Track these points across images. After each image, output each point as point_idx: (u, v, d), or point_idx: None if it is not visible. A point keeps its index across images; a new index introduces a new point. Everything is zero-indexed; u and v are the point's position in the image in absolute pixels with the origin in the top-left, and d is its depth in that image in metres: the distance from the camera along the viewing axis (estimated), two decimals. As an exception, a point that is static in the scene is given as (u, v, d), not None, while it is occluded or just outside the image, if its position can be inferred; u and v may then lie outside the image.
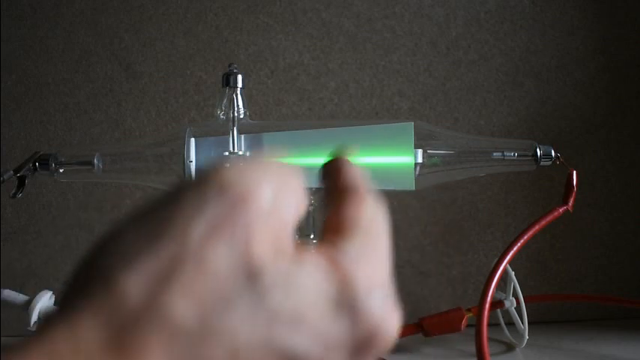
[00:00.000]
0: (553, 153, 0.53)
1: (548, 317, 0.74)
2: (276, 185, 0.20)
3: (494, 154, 0.53)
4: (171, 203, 0.19)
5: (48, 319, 0.17)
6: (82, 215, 0.75)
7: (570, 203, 0.55)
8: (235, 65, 0.54)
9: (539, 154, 0.53)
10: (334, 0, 0.75)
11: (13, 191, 0.53)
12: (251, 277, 0.18)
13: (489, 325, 0.52)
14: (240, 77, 0.53)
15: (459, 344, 0.65)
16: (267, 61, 0.75)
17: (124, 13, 0.75)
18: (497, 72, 0.75)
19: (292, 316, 0.18)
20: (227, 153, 0.52)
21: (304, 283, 0.19)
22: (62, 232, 0.75)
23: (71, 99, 0.75)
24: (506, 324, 0.66)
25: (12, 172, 0.52)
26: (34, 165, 0.53)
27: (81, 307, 0.17)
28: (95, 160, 0.53)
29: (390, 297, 0.20)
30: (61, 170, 0.53)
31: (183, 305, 0.17)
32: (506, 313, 0.64)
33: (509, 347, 0.64)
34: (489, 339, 0.50)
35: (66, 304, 0.18)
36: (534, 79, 0.75)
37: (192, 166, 0.51)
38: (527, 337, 0.61)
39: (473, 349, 0.50)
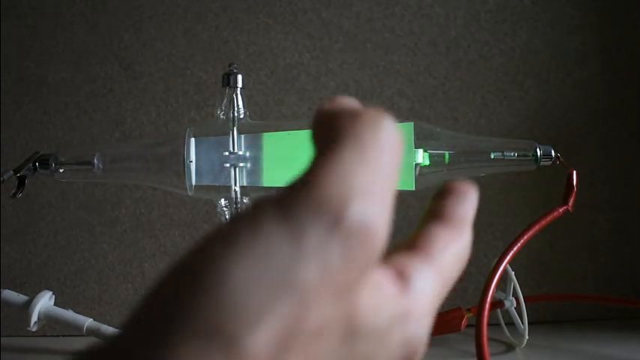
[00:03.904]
0: (553, 153, 0.53)
1: (548, 317, 0.74)
2: (386, 203, 0.18)
3: (494, 154, 0.53)
4: (285, 249, 0.17)
5: None
6: (82, 215, 0.75)
7: (570, 203, 0.55)
8: (235, 65, 0.54)
9: (539, 154, 0.53)
10: (334, 0, 0.75)
11: (13, 191, 0.53)
12: (351, 336, 0.18)
13: (489, 325, 0.52)
14: (240, 77, 0.53)
15: (459, 344, 0.65)
16: (267, 61, 0.75)
17: (124, 13, 0.75)
18: (497, 72, 0.75)
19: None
20: (227, 153, 0.52)
21: (386, 335, 0.19)
22: (62, 232, 0.75)
23: (71, 99, 0.75)
24: (506, 324, 0.66)
25: (12, 172, 0.52)
26: (34, 165, 0.53)
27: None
28: (95, 160, 0.53)
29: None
30: (61, 170, 0.53)
31: None
32: (506, 313, 0.64)
33: (509, 347, 0.64)
34: (489, 339, 0.50)
35: (160, 353, 0.16)
36: (534, 79, 0.75)
37: (192, 166, 0.51)
38: (527, 337, 0.61)
39: (473, 349, 0.50)
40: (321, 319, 0.17)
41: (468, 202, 0.23)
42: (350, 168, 0.18)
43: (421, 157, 0.51)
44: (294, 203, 0.17)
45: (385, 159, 0.19)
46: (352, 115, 0.20)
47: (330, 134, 0.19)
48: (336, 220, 0.17)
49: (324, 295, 0.17)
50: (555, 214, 0.54)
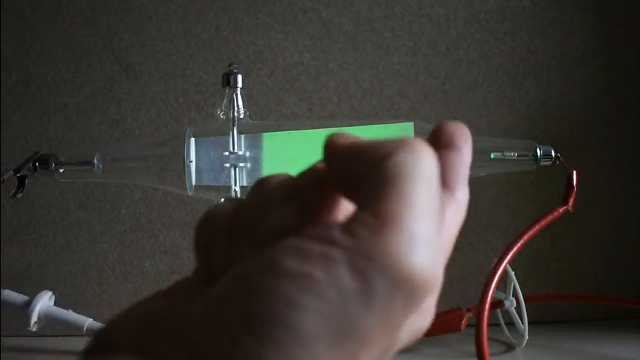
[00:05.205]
0: (553, 153, 0.53)
1: (548, 317, 0.74)
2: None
3: (494, 154, 0.53)
4: (356, 302, 0.18)
5: None
6: (82, 215, 0.75)
7: (570, 203, 0.55)
8: (235, 65, 0.54)
9: (539, 154, 0.53)
10: (334, 0, 0.75)
11: (13, 191, 0.53)
12: (388, 350, 0.20)
13: (489, 325, 0.52)
14: (240, 77, 0.53)
15: (459, 344, 0.65)
16: (267, 61, 0.75)
17: (124, 13, 0.75)
18: (497, 72, 0.75)
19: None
20: (227, 153, 0.52)
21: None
22: (62, 232, 0.75)
23: (71, 99, 0.75)
24: (506, 324, 0.66)
25: (12, 172, 0.52)
26: (34, 165, 0.53)
27: None
28: (95, 160, 0.53)
29: (425, 245, 0.18)
30: (61, 170, 0.53)
31: None
32: (506, 313, 0.64)
33: (509, 347, 0.64)
34: (489, 339, 0.50)
35: None
36: (534, 79, 0.75)
37: (192, 166, 0.51)
38: (527, 337, 0.61)
39: (473, 349, 0.50)
40: (372, 353, 0.18)
41: (459, 162, 0.22)
42: (408, 218, 0.18)
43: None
44: (365, 256, 0.18)
45: (433, 199, 0.19)
46: (400, 150, 0.19)
47: (373, 174, 0.19)
48: (401, 276, 0.18)
49: (381, 335, 0.18)
50: (555, 214, 0.54)
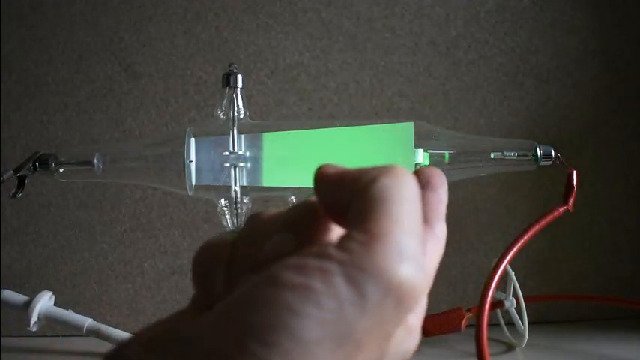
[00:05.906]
0: (553, 153, 0.53)
1: (548, 317, 0.74)
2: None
3: (494, 154, 0.53)
4: (352, 308, 0.19)
5: None
6: (82, 215, 0.75)
7: (570, 203, 0.55)
8: (235, 65, 0.54)
9: (539, 154, 0.53)
10: (334, 0, 0.75)
11: (13, 191, 0.53)
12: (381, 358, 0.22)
13: (489, 325, 0.52)
14: (240, 77, 0.53)
15: (459, 344, 0.65)
16: (267, 61, 0.75)
17: (124, 13, 0.75)
18: (497, 72, 0.75)
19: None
20: (227, 153, 0.52)
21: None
22: (62, 232, 0.75)
23: (71, 99, 0.75)
24: (506, 324, 0.66)
25: (12, 172, 0.52)
26: (34, 165, 0.53)
27: None
28: (95, 160, 0.53)
29: (410, 257, 0.20)
30: (61, 170, 0.53)
31: None
32: (506, 313, 0.64)
33: (509, 347, 0.64)
34: (489, 339, 0.50)
35: None
36: (534, 79, 0.75)
37: (192, 166, 0.51)
38: (527, 337, 0.61)
39: (473, 349, 0.50)
40: (367, 358, 0.20)
41: (437, 198, 0.25)
42: (395, 233, 0.20)
43: (421, 157, 0.51)
44: (358, 267, 0.20)
45: (416, 217, 0.21)
46: (383, 176, 0.22)
47: (361, 199, 0.21)
48: (391, 284, 0.20)
49: (374, 340, 0.20)
50: (555, 214, 0.54)
